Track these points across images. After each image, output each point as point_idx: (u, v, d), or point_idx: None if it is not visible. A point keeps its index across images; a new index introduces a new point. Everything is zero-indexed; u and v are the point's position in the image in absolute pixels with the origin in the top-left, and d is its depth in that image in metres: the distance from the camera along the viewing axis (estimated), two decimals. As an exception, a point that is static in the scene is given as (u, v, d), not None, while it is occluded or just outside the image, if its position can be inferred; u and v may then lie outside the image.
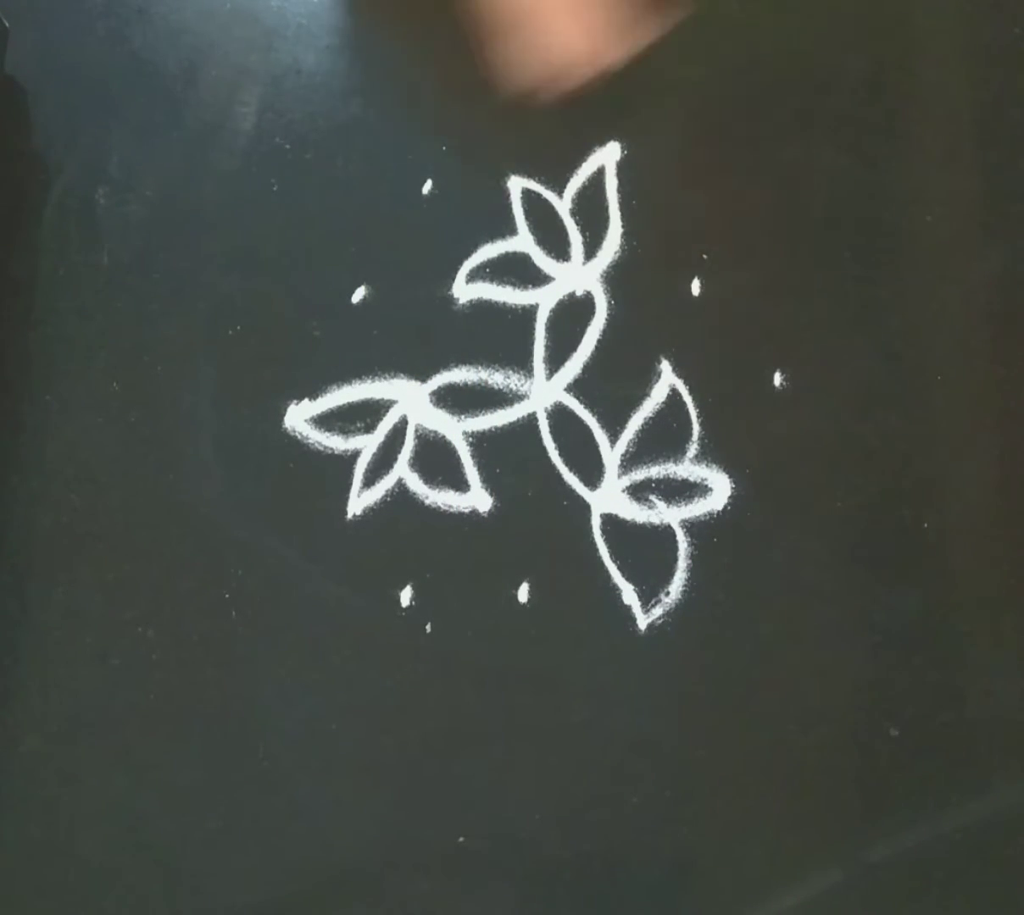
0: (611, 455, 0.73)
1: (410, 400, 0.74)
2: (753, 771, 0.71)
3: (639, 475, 0.73)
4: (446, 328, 0.75)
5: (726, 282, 0.74)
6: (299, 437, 0.74)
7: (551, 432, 0.73)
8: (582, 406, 0.74)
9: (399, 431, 0.74)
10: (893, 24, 0.77)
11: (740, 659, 0.71)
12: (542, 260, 0.75)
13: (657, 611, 0.71)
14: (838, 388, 0.74)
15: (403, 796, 0.71)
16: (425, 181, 0.75)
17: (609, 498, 0.73)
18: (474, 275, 0.75)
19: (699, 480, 0.73)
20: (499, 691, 0.72)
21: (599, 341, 0.74)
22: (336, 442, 0.74)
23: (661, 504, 0.72)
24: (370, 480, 0.73)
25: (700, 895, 0.71)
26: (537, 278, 0.75)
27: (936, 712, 0.71)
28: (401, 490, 0.73)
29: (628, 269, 0.75)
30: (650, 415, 0.73)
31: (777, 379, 0.73)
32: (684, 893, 0.70)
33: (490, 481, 0.73)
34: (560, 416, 0.74)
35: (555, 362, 0.74)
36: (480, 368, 0.74)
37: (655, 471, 0.73)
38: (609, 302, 0.75)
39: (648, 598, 0.71)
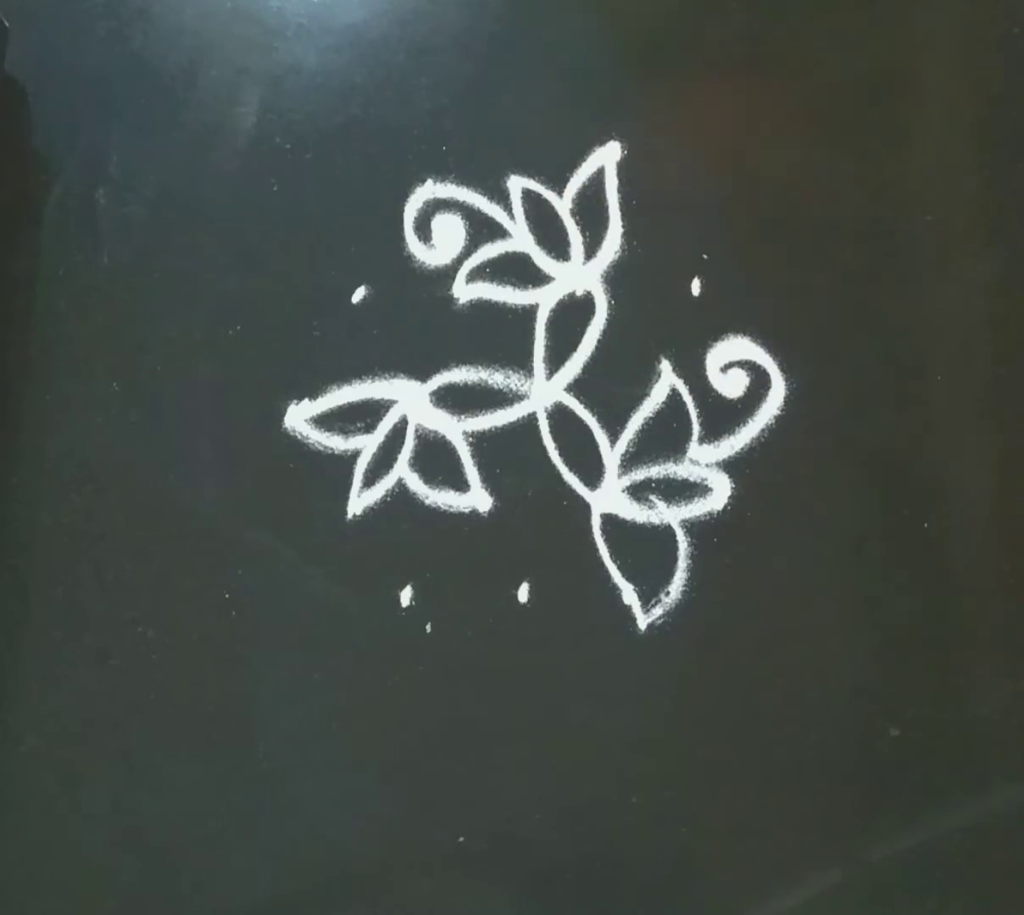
0: (611, 455, 0.73)
1: (410, 400, 0.74)
2: (753, 771, 0.71)
3: (639, 475, 0.73)
4: (446, 328, 0.75)
5: (726, 282, 0.74)
6: (299, 437, 0.74)
7: (551, 432, 0.73)
8: (582, 406, 0.74)
9: (399, 431, 0.74)
10: (894, 24, 0.77)
11: (740, 659, 0.71)
12: (542, 260, 0.75)
13: (657, 611, 0.71)
14: (838, 388, 0.73)
15: (403, 796, 0.71)
16: (425, 181, 0.75)
17: (609, 498, 0.73)
18: (474, 275, 0.75)
19: (699, 480, 0.73)
20: (499, 691, 0.72)
21: (599, 341, 0.74)
22: (336, 442, 0.74)
23: (661, 504, 0.72)
24: (370, 480, 0.73)
25: (700, 895, 0.71)
26: (537, 278, 0.75)
27: (936, 712, 0.71)
28: (401, 490, 0.73)
29: (628, 269, 0.75)
30: (650, 415, 0.73)
31: (776, 379, 0.73)
32: (684, 893, 0.70)
33: (490, 481, 0.73)
34: (560, 416, 0.74)
35: (555, 362, 0.74)
36: (480, 368, 0.74)
37: (655, 471, 0.73)
38: (609, 302, 0.75)
39: (648, 598, 0.71)
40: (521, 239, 0.75)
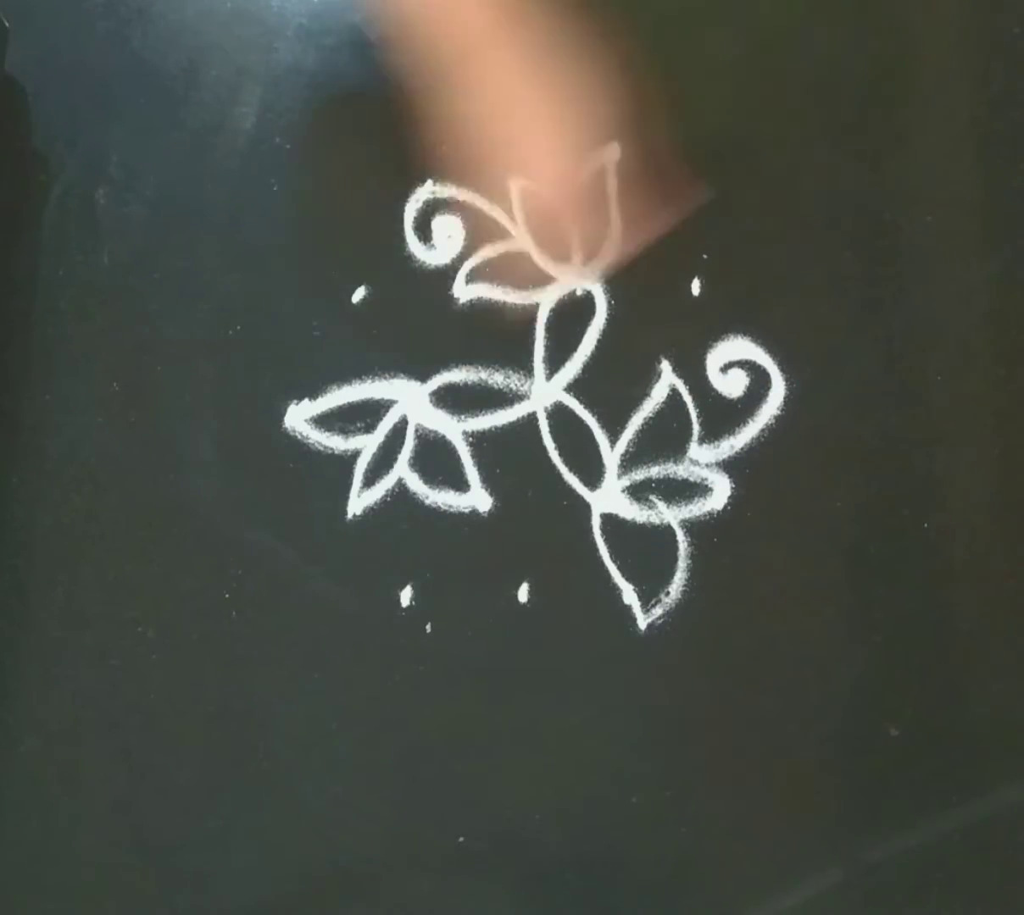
0: (611, 455, 0.73)
1: (410, 400, 0.74)
2: (753, 771, 0.71)
3: (639, 475, 0.73)
4: (446, 328, 0.75)
5: (726, 282, 0.74)
6: (299, 437, 0.74)
7: (551, 432, 0.73)
8: (582, 406, 0.74)
9: (399, 431, 0.74)
10: (893, 24, 0.77)
11: (740, 659, 0.71)
12: (542, 260, 0.75)
13: (657, 611, 0.71)
14: (838, 388, 0.74)
15: (403, 796, 0.71)
16: (425, 181, 0.75)
17: (609, 498, 0.73)
18: (474, 275, 0.75)
19: (699, 480, 0.73)
20: (499, 691, 0.72)
21: (599, 341, 0.74)
22: (336, 442, 0.74)
23: (661, 504, 0.72)
24: (370, 480, 0.73)
25: (700, 895, 0.71)
26: (537, 278, 0.75)
27: (936, 712, 0.71)
28: (401, 490, 0.73)
29: (628, 269, 0.75)
30: (650, 415, 0.73)
31: (776, 379, 0.73)
32: (684, 893, 0.70)
33: (490, 481, 0.73)
34: (560, 416, 0.74)
35: (555, 362, 0.74)
36: (480, 368, 0.74)
37: (655, 471, 0.73)
38: (609, 302, 0.75)
39: (648, 598, 0.71)
40: (521, 239, 0.75)
